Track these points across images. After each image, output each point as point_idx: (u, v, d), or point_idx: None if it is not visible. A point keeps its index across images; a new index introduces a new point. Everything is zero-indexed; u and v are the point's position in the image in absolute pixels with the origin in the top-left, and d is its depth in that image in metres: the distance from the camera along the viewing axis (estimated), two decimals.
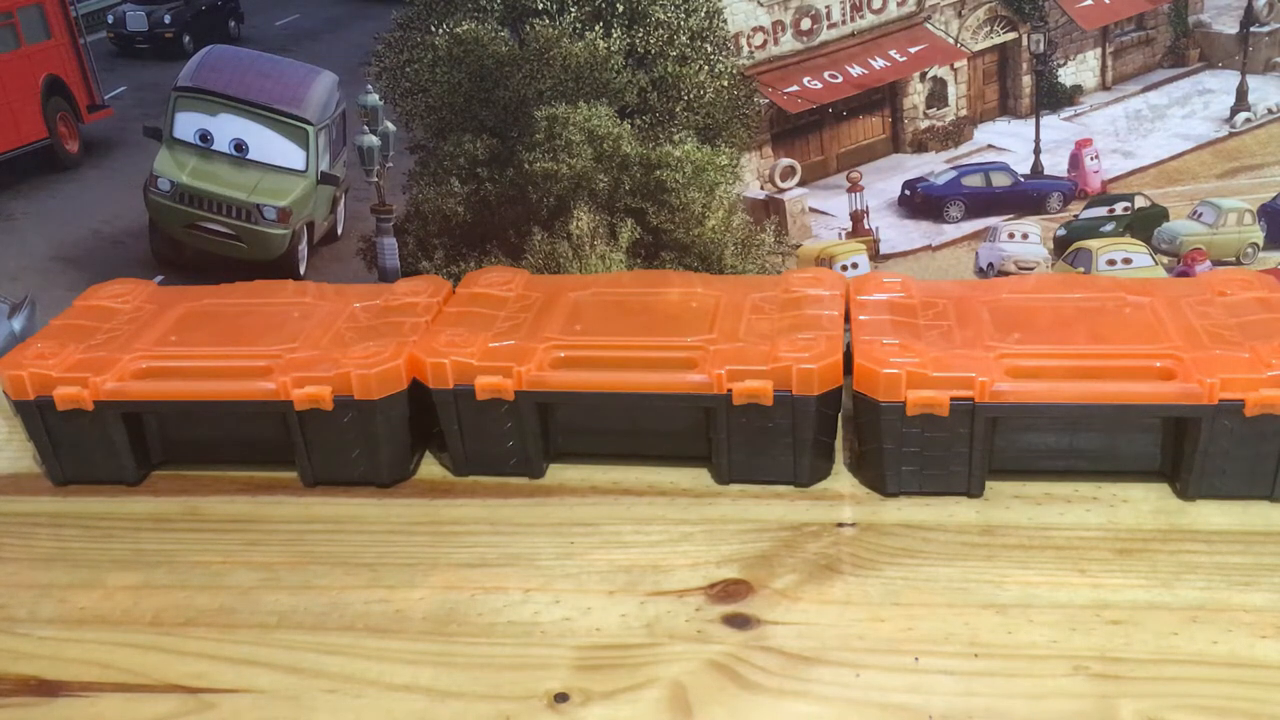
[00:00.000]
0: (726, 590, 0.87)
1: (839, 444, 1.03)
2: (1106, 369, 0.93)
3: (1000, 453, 0.96)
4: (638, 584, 0.89)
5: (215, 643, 0.85)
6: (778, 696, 0.77)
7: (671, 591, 0.88)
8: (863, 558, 0.90)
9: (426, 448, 1.07)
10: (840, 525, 0.94)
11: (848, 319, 1.01)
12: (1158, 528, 0.92)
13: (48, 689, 0.82)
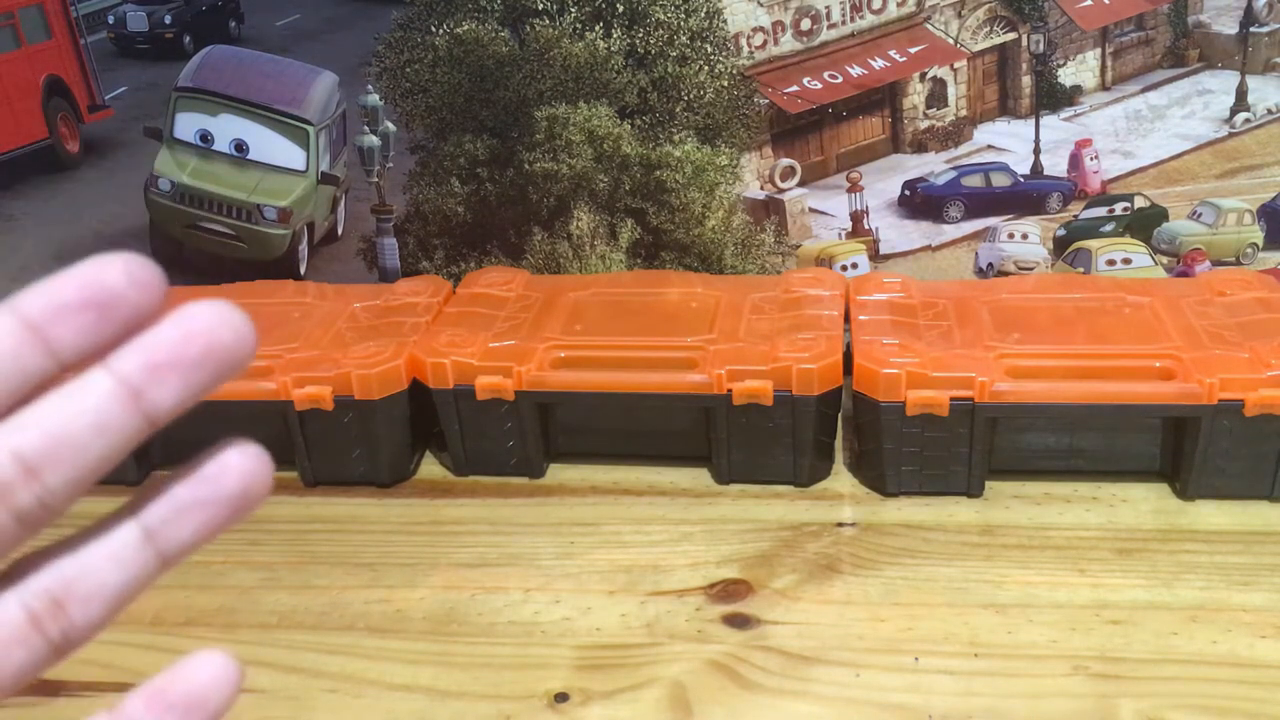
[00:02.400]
0: (726, 590, 0.87)
1: (839, 444, 1.03)
2: (1106, 369, 0.93)
3: (1000, 453, 0.96)
4: (638, 584, 0.89)
5: (215, 642, 0.85)
6: (778, 696, 0.77)
7: (671, 591, 0.88)
8: (863, 558, 0.90)
9: (426, 448, 1.07)
10: (840, 525, 0.94)
11: (848, 319, 1.01)
12: (1157, 528, 0.92)
13: (48, 689, 0.82)
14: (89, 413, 0.31)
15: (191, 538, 0.33)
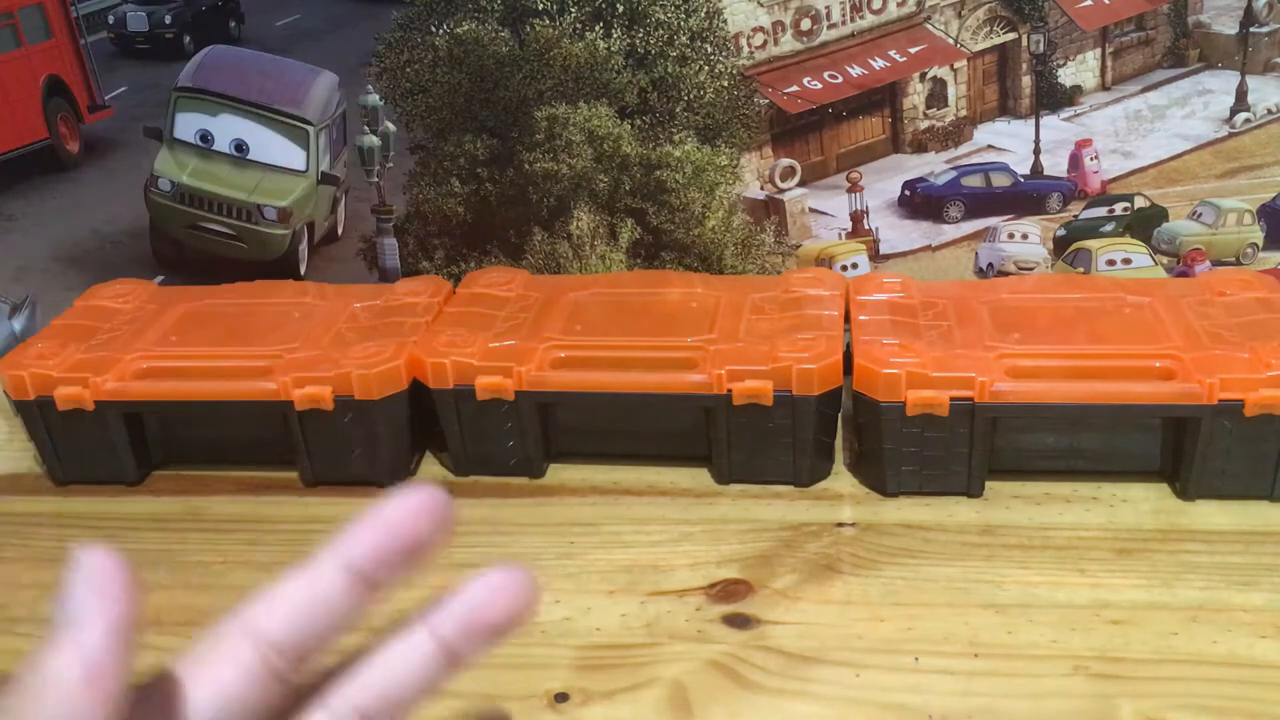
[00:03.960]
0: (726, 590, 0.87)
1: (839, 444, 1.03)
2: (1106, 369, 0.93)
3: (1000, 453, 0.96)
4: (638, 584, 0.89)
5: None
6: (778, 696, 0.77)
7: (671, 591, 0.88)
8: (863, 558, 0.90)
9: (426, 448, 1.07)
10: (840, 525, 0.94)
11: (848, 319, 1.01)
12: (1157, 528, 0.92)
13: None
14: (416, 675, 0.35)
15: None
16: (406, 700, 0.36)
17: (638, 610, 0.86)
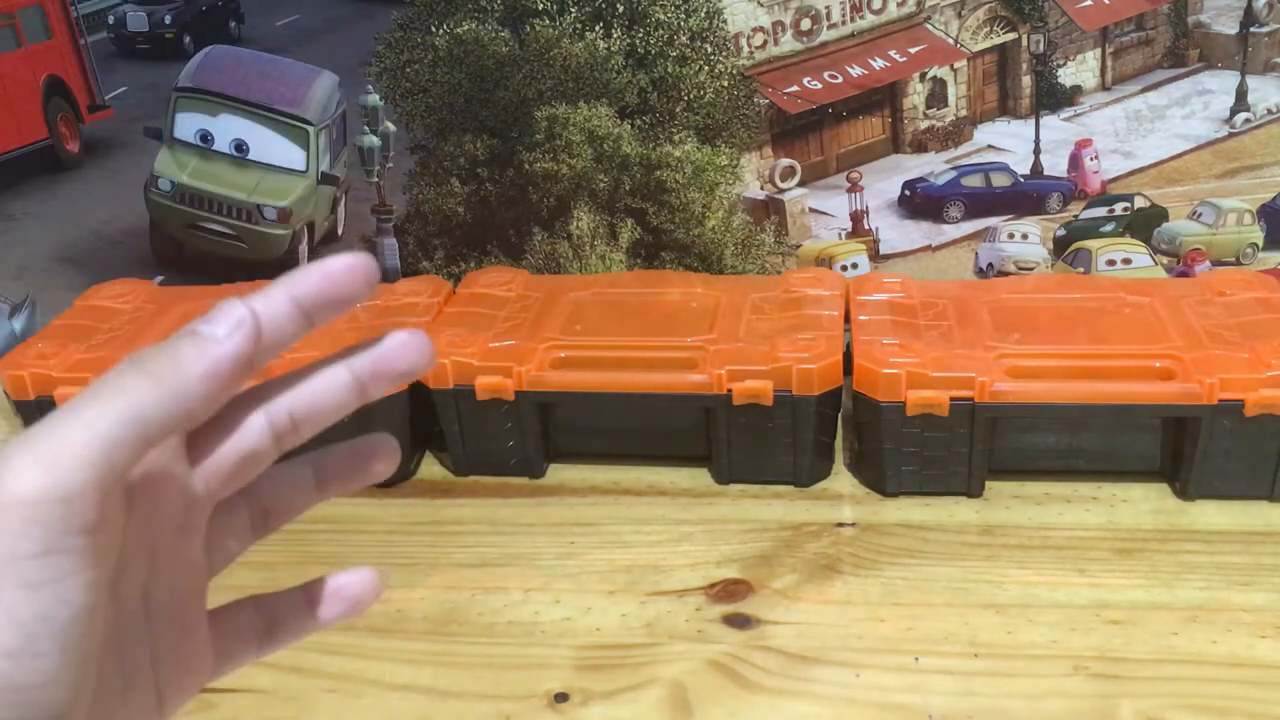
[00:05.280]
0: (726, 590, 0.87)
1: (839, 444, 1.03)
2: (1106, 369, 0.93)
3: (1000, 453, 0.96)
4: (638, 584, 0.89)
5: None
6: (778, 696, 0.77)
7: (671, 591, 0.88)
8: (863, 558, 0.90)
9: (426, 448, 1.07)
10: (840, 525, 0.94)
11: (848, 319, 1.01)
12: (1157, 528, 0.92)
13: None
14: (335, 397, 0.45)
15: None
16: (324, 416, 0.45)
17: (638, 610, 0.86)
